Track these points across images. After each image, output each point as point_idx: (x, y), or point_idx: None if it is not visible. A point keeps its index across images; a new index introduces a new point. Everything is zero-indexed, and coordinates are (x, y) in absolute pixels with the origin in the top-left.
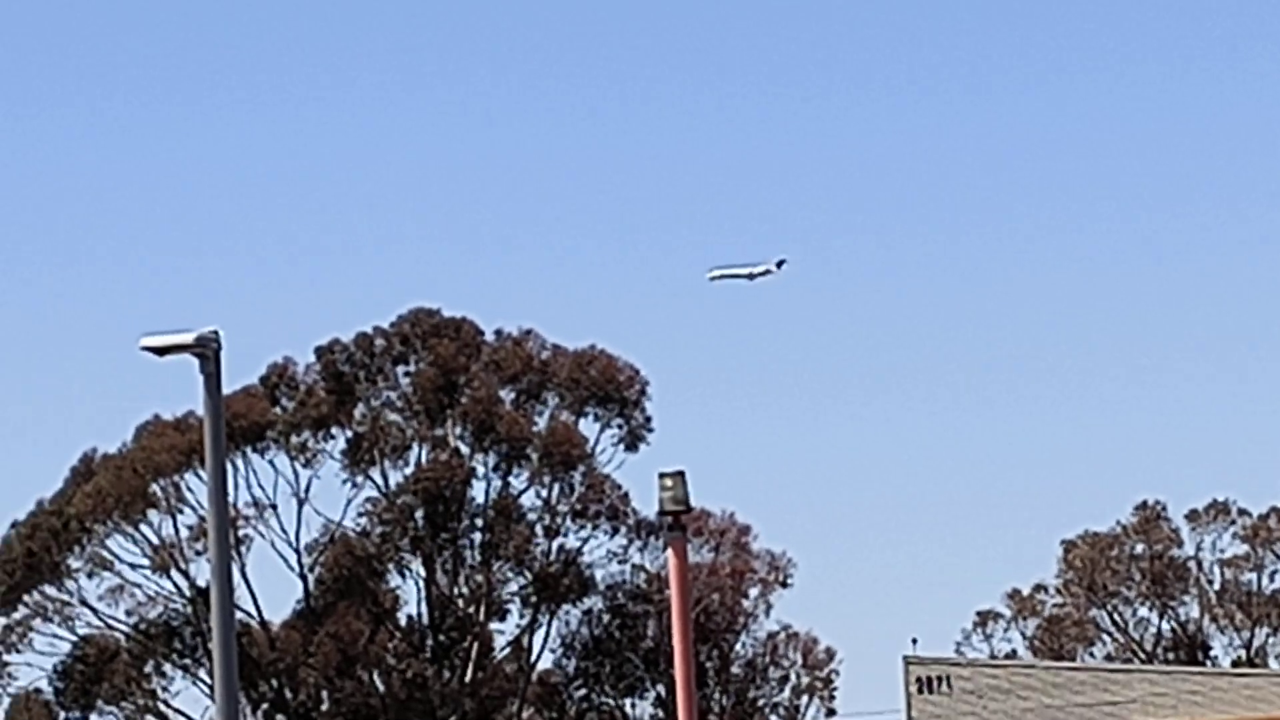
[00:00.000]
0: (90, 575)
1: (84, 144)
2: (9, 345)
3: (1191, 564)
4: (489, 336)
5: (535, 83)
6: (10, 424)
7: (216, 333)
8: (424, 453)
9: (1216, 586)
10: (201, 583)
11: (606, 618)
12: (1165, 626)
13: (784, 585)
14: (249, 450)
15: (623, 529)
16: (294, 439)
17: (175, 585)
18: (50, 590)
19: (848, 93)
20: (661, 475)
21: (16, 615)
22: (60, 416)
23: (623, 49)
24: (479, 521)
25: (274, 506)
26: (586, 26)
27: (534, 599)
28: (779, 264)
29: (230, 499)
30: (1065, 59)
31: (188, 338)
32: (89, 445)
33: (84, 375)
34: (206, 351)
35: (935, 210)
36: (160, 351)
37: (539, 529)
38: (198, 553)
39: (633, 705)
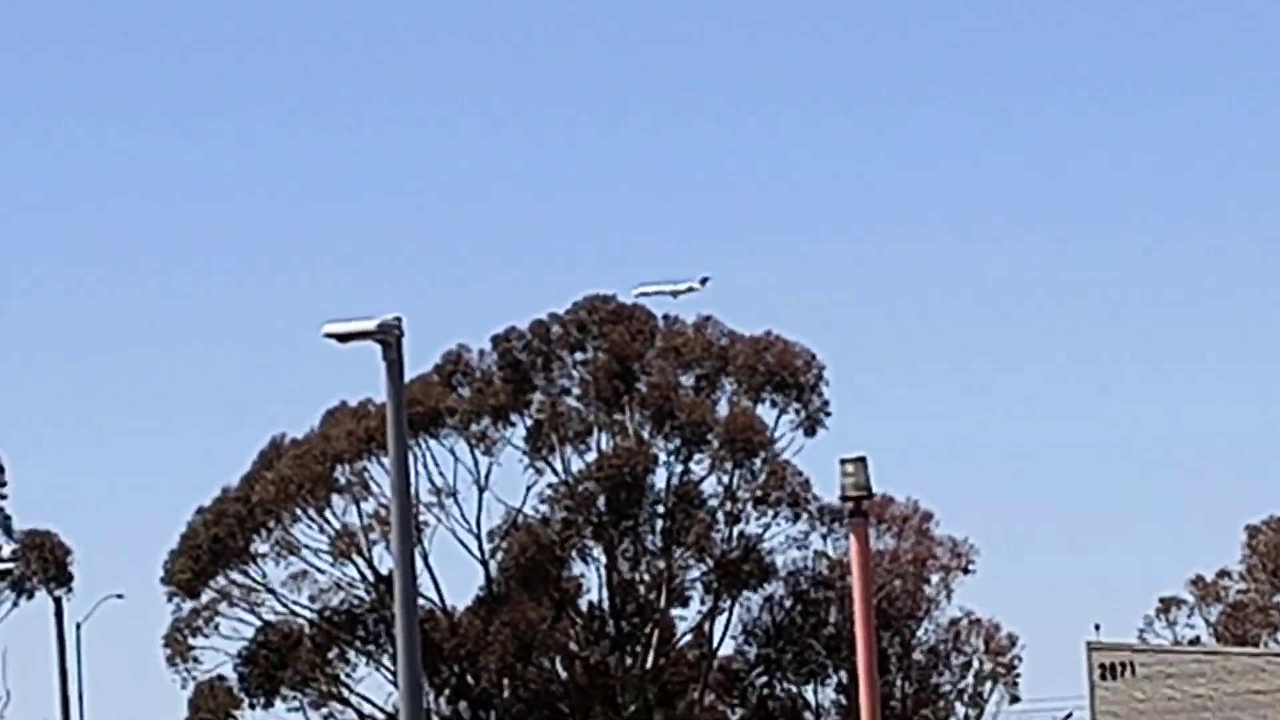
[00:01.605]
0: (275, 561)
1: (270, 132)
2: (196, 333)
3: None
4: (661, 323)
5: (715, 69)
6: (196, 411)
7: (399, 320)
8: (604, 440)
9: None
10: (384, 569)
11: (788, 604)
12: None
13: (966, 572)
14: (428, 437)
15: (804, 515)
16: (473, 426)
17: (358, 571)
18: (235, 576)
19: None
20: (843, 461)
21: (202, 601)
22: (245, 403)
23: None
24: (660, 508)
25: (455, 493)
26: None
27: (715, 585)
28: (702, 281)
29: (412, 486)
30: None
31: (370, 324)
32: (274, 431)
33: (269, 362)
34: (389, 338)
35: (1112, 192)
36: (343, 338)
37: (720, 515)
38: (378, 540)
39: (814, 692)
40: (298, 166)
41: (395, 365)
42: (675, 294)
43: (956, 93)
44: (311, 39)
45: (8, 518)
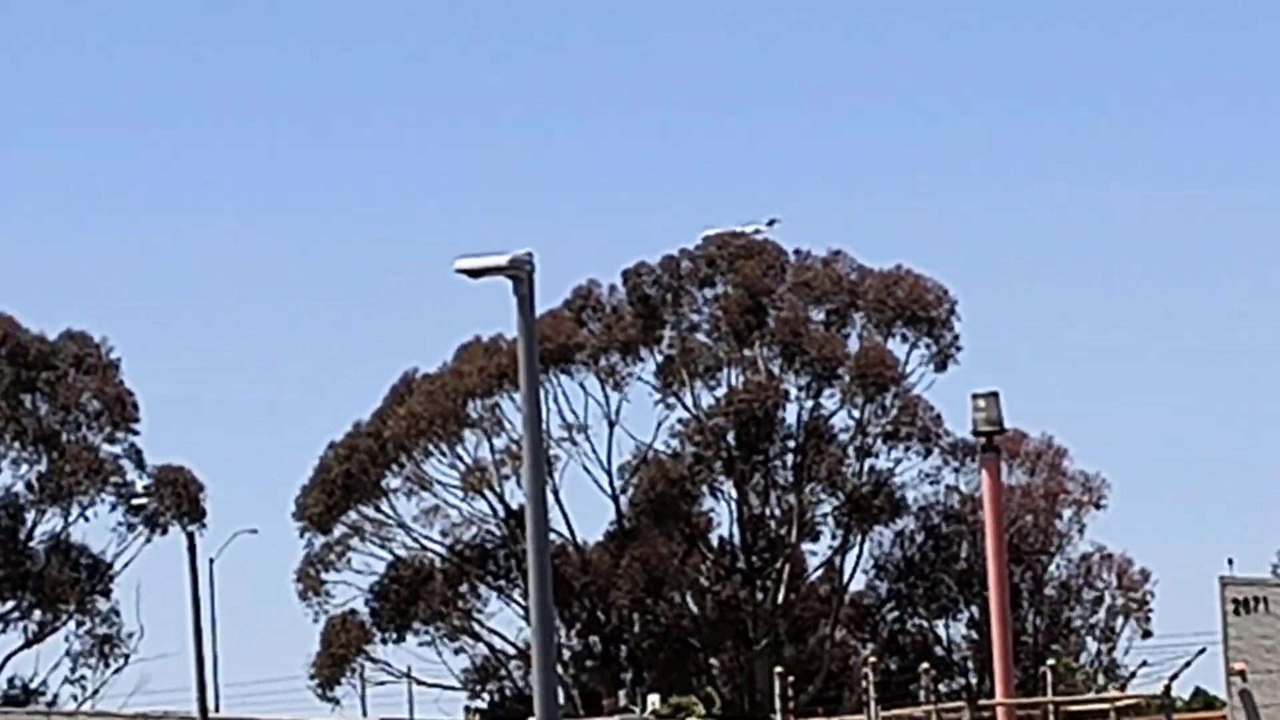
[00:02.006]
0: (406, 496)
1: (401, 68)
2: (330, 268)
3: None
4: (791, 258)
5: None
6: (328, 346)
7: (530, 255)
8: (734, 375)
9: None
10: (515, 504)
11: (919, 539)
12: None
13: (1098, 506)
14: (558, 373)
15: (935, 450)
16: (603, 361)
17: (490, 506)
18: (367, 510)
19: None
20: (974, 396)
21: (334, 535)
22: (378, 338)
23: None
24: (790, 443)
25: (585, 429)
26: None
27: (846, 520)
28: (770, 223)
29: (543, 421)
30: None
31: (501, 260)
32: (406, 366)
33: (402, 297)
34: (520, 274)
35: (1231, 135)
36: (474, 274)
37: (850, 450)
38: (510, 475)
39: (946, 627)
40: (432, 103)
41: (526, 301)
42: (744, 236)
43: (1103, 26)
44: None
45: (140, 453)
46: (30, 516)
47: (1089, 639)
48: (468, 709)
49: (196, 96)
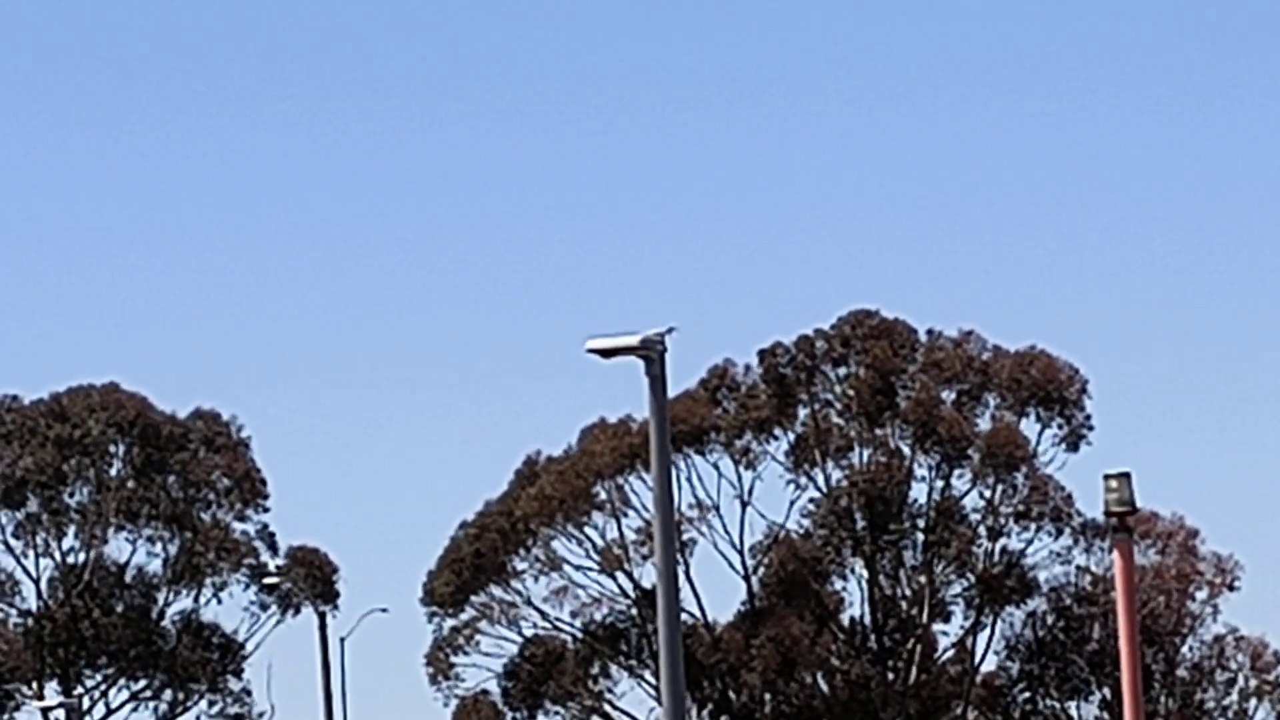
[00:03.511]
0: (537, 577)
1: (539, 142)
2: (455, 348)
3: None
4: (923, 337)
5: (956, 86)
6: (458, 426)
7: (662, 335)
8: (865, 454)
9: None
10: (646, 584)
11: (1051, 619)
12: None
13: (1231, 589)
14: (691, 453)
15: (1066, 530)
16: (737, 442)
17: (620, 586)
18: (497, 591)
19: None
20: (1106, 477)
21: (464, 616)
22: (506, 418)
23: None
24: (920, 523)
25: (717, 508)
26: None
27: (977, 601)
28: (667, 331)
29: (674, 501)
30: None
31: (633, 340)
32: (533, 447)
33: (529, 377)
34: (652, 354)
35: None
36: (606, 354)
37: (981, 530)
38: (642, 555)
39: (1077, 708)
40: (563, 182)
41: (658, 381)
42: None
43: (1246, 108)
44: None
45: (272, 533)
46: (162, 596)
47: None
48: None
49: (325, 176)
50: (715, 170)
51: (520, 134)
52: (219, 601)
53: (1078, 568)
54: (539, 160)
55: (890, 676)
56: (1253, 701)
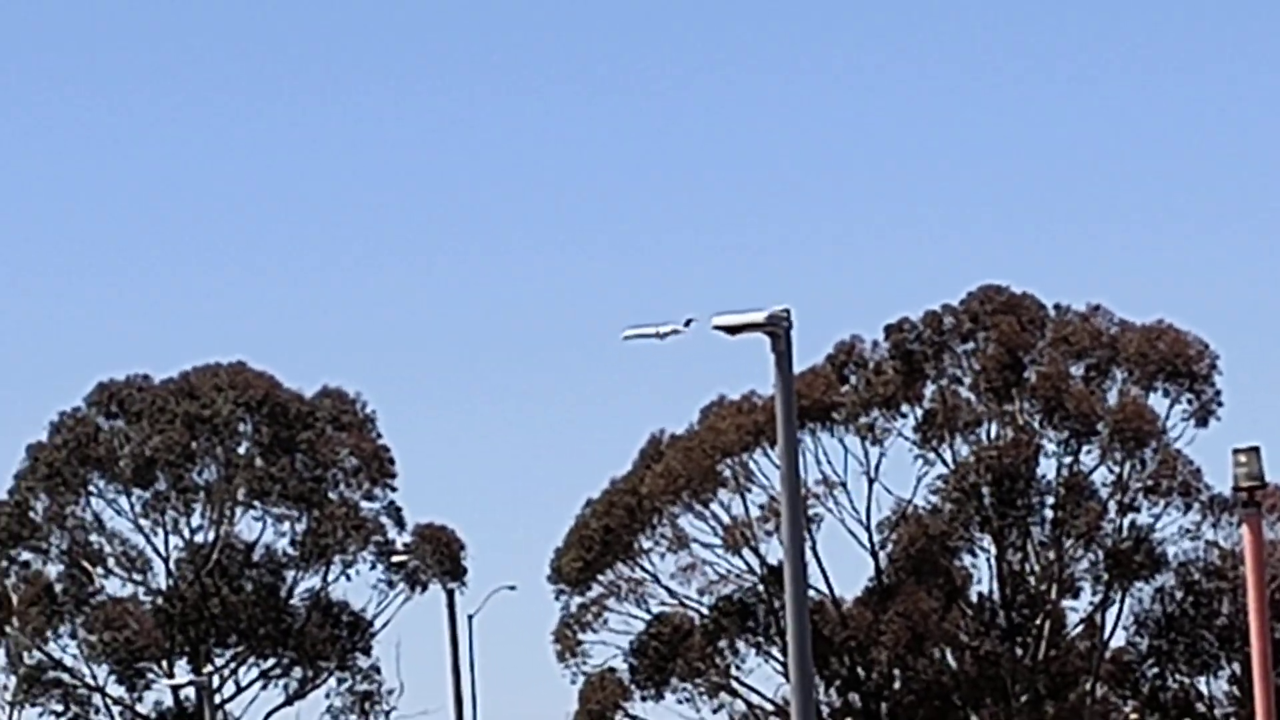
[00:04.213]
0: (664, 555)
1: (660, 126)
2: (582, 326)
3: None
4: (1051, 312)
5: (1084, 55)
6: (584, 403)
7: (788, 311)
8: (992, 430)
9: None
10: (773, 561)
11: (1179, 595)
12: None
13: None
14: (817, 429)
15: (1195, 505)
16: (863, 418)
17: (746, 563)
18: (624, 569)
19: None
20: (1236, 451)
21: (591, 594)
22: (632, 396)
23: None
24: (1049, 498)
25: (844, 484)
26: None
27: (1106, 576)
28: (686, 323)
29: (801, 477)
30: None
31: (759, 316)
32: (658, 425)
33: (655, 355)
34: (778, 330)
35: None
36: (732, 330)
37: (1110, 505)
38: (768, 532)
39: (1207, 683)
40: (690, 160)
41: (784, 357)
42: (661, 336)
43: None
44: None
45: (400, 511)
46: (291, 574)
47: None
48: None
49: (452, 154)
50: (843, 145)
51: (645, 113)
52: (347, 579)
53: (1207, 542)
54: (659, 138)
55: (1019, 653)
56: None
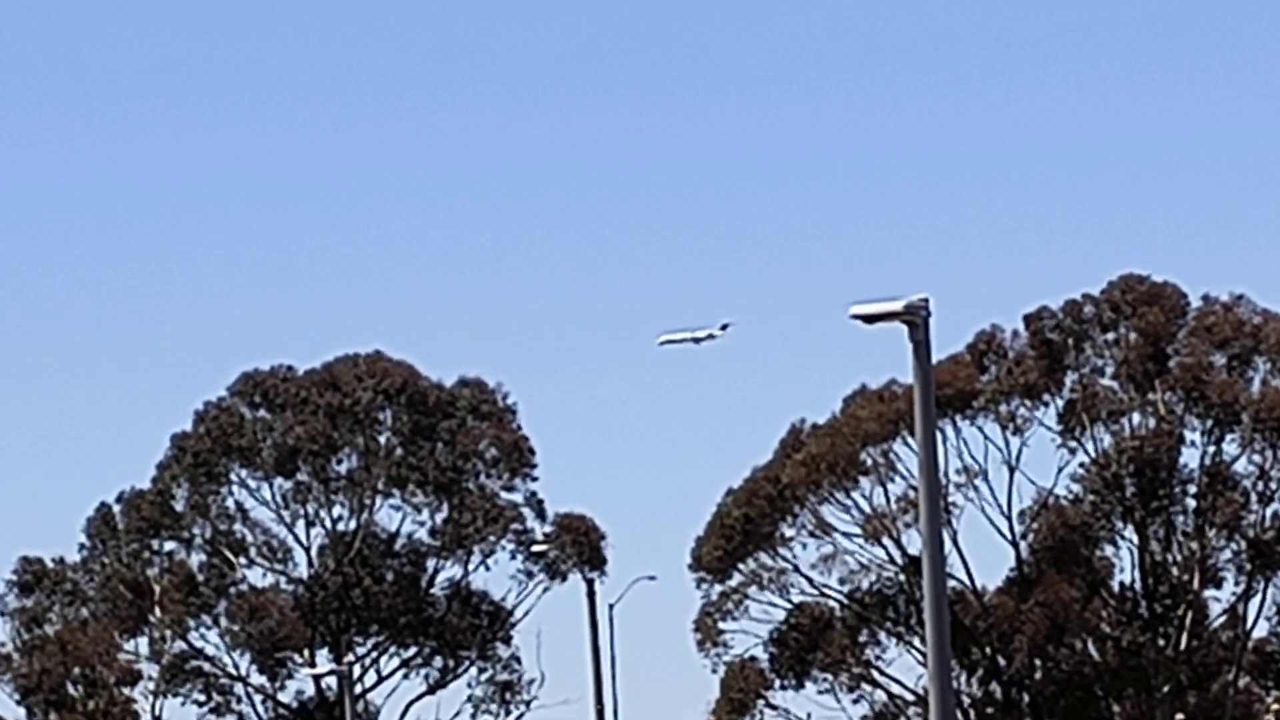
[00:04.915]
0: (805, 544)
1: (792, 117)
2: (720, 315)
3: None
4: (1194, 302)
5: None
6: (723, 393)
7: (926, 300)
8: (1134, 419)
9: None
10: (913, 550)
11: None
12: None
13: None
14: (957, 418)
15: None
16: (1003, 407)
17: (887, 553)
18: (765, 558)
19: None
20: None
21: (732, 583)
22: (771, 385)
23: None
24: (1191, 488)
25: (984, 474)
26: None
27: (1249, 567)
28: (723, 327)
29: (940, 467)
30: None
31: (897, 305)
32: (798, 415)
33: (794, 344)
34: (915, 319)
35: None
36: (869, 319)
37: (1253, 495)
38: (908, 522)
39: None
40: (828, 149)
41: (922, 346)
42: (697, 340)
43: None
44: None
45: (540, 501)
46: (431, 564)
47: None
48: None
49: (589, 142)
50: (985, 135)
51: (778, 104)
52: (487, 569)
53: None
54: (798, 129)
55: (1161, 643)
56: None
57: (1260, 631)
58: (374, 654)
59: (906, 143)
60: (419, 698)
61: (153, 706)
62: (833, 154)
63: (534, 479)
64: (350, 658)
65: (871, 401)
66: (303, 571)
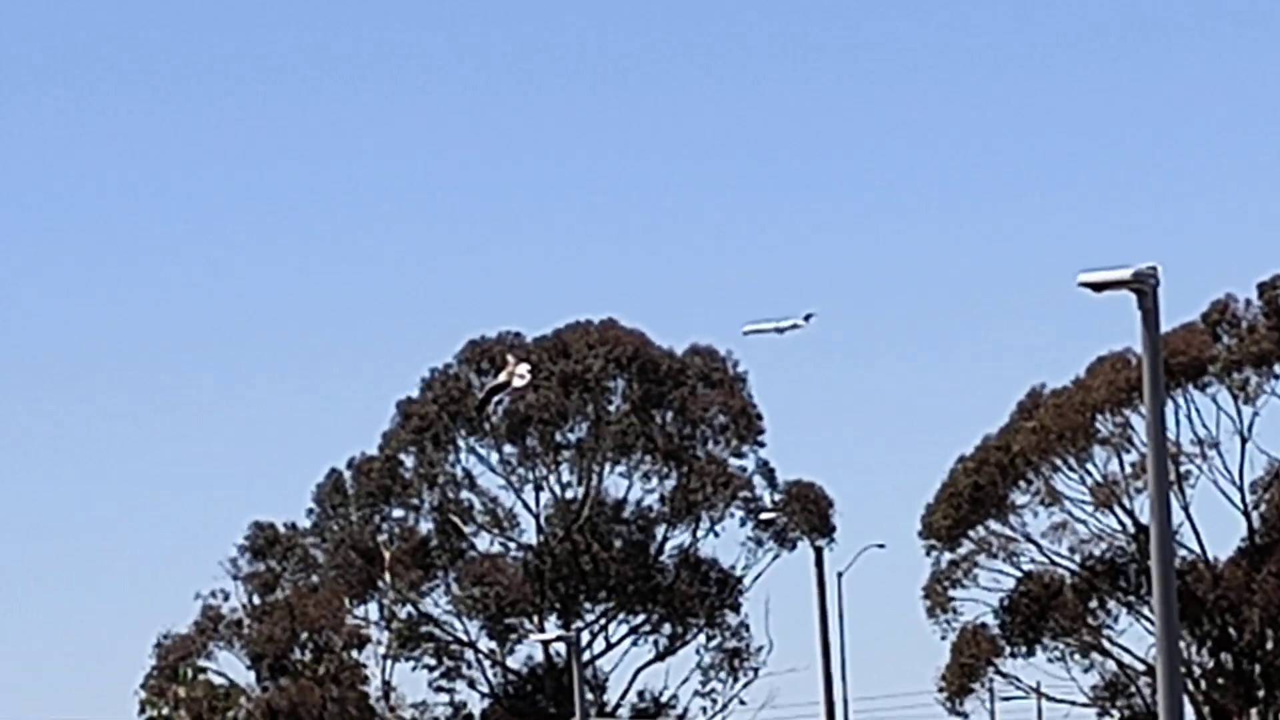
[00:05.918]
0: (1036, 512)
1: (1016, 94)
2: (960, 282)
3: None
4: None
5: None
6: (957, 360)
7: (1154, 269)
8: None
9: None
10: (1145, 520)
11: None
12: None
13: None
14: (1190, 387)
15: None
16: (1235, 376)
17: (1119, 522)
18: (995, 525)
19: None
20: None
21: (962, 550)
22: (1007, 351)
23: None
24: None
25: (1216, 444)
26: None
27: None
28: (806, 318)
29: (1172, 436)
30: None
31: (1125, 274)
32: (1033, 380)
33: (1032, 310)
34: (1144, 288)
35: None
36: (1097, 287)
37: None
38: (1139, 490)
39: None
40: (1064, 119)
41: (1150, 315)
42: (780, 330)
43: None
44: None
45: (770, 468)
46: (660, 531)
47: None
48: None
49: (807, 112)
50: (1216, 105)
51: (1014, 76)
52: (715, 536)
53: None
54: (1029, 103)
55: None
56: None
57: None
58: (602, 621)
59: (1143, 114)
60: (647, 664)
61: (383, 670)
62: (1071, 126)
63: (762, 445)
64: (579, 624)
65: (1106, 369)
66: (530, 538)
